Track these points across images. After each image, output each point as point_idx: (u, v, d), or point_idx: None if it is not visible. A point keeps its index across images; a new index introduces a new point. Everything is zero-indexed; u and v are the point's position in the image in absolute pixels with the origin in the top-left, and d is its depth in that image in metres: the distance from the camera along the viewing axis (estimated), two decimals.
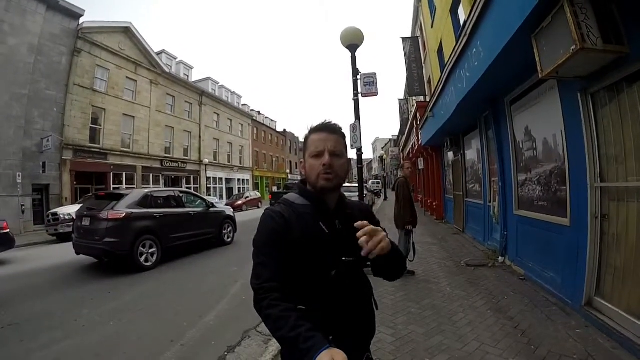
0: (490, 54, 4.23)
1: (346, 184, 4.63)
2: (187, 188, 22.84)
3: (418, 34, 16.71)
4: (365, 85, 6.14)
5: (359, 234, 1.04)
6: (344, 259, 1.18)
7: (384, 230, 1.12)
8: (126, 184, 19.65)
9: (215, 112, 30.90)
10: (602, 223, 3.33)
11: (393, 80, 53.01)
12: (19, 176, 13.66)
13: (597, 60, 2.88)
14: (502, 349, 2.98)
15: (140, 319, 4.28)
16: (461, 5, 8.37)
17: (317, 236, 1.17)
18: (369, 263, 1.18)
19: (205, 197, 10.30)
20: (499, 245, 6.26)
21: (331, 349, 0.89)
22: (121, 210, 6.56)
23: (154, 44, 31.55)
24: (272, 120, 47.54)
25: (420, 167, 16.92)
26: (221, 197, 29.36)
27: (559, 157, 4.14)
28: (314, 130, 1.26)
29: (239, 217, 10.69)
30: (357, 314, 1.22)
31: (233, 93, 35.37)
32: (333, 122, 1.28)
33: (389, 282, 1.36)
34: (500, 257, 6.09)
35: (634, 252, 2.90)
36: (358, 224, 1.07)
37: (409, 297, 4.42)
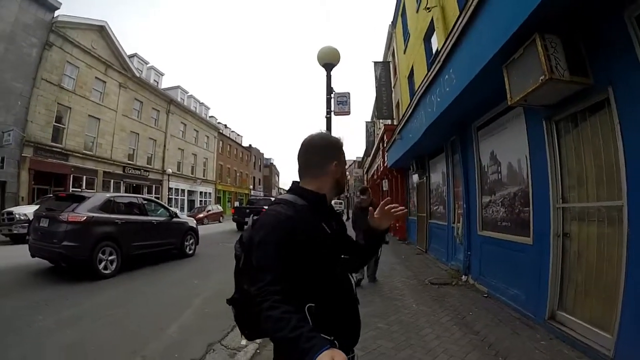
0: (462, 81, 4.46)
1: None
2: None
3: (390, 59, 17.31)
4: (338, 104, 6.23)
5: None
6: (342, 256, 1.31)
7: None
8: (86, 189, 18.45)
9: (182, 122, 30.23)
10: (564, 241, 3.55)
11: (360, 103, 54.47)
12: None
13: (563, 90, 3.14)
14: None
15: (100, 328, 3.99)
16: (435, 34, 8.82)
17: (321, 236, 1.23)
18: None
19: (168, 207, 9.94)
20: (462, 264, 6.45)
21: (332, 349, 0.90)
22: (82, 213, 6.18)
23: (126, 46, 30.70)
24: (238, 135, 47.09)
25: (384, 189, 17.10)
26: (182, 209, 28.24)
27: (523, 180, 4.40)
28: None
29: (200, 230, 10.37)
30: (355, 307, 1.30)
31: (202, 104, 34.84)
32: None
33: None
34: (463, 276, 6.26)
35: (594, 267, 3.10)
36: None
37: (375, 313, 4.41)
